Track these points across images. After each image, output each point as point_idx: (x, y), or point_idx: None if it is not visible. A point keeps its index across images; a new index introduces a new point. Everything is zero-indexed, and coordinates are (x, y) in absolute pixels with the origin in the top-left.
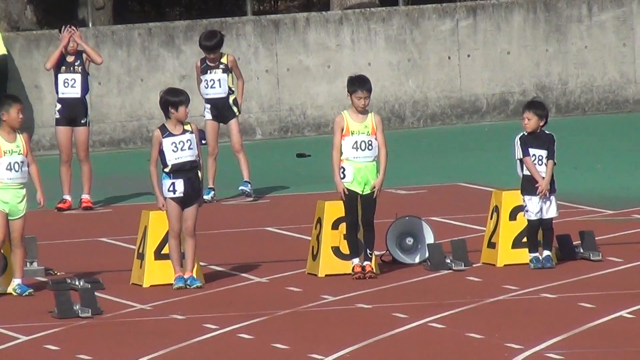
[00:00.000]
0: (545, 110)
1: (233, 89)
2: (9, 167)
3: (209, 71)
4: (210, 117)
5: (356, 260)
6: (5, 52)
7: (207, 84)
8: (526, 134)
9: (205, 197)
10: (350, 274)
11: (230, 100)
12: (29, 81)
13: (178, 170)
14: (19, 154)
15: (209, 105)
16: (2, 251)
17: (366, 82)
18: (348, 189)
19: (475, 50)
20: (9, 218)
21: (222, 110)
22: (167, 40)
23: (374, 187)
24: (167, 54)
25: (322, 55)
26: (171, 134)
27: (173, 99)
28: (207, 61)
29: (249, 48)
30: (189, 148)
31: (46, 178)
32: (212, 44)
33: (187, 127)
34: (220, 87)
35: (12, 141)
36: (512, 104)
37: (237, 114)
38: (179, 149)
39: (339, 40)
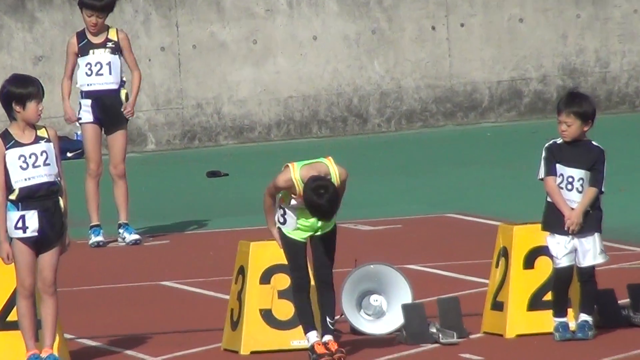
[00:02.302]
0: (591, 106)
1: (124, 79)
2: None
3: (91, 51)
4: (91, 119)
5: (313, 336)
6: None
7: (90, 69)
8: (558, 142)
9: (95, 238)
10: (297, 349)
11: (123, 97)
12: None
13: (29, 197)
14: None
15: (89, 101)
16: None
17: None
18: (291, 237)
19: (471, 17)
20: None
21: (110, 110)
22: (14, 5)
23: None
24: (14, 26)
25: (245, 25)
26: (18, 144)
27: (18, 91)
28: (88, 36)
29: (137, 16)
30: (45, 164)
31: None
32: (102, 3)
33: (42, 133)
34: (110, 73)
35: None
36: (526, 96)
37: (127, 119)
38: (29, 165)
39: (269, 3)
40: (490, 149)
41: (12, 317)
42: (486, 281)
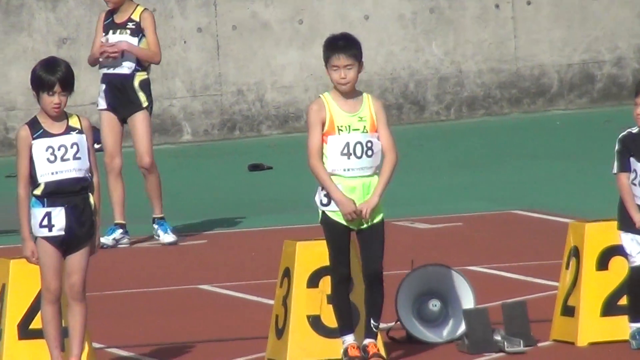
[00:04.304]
0: None
1: (145, 64)
2: None
3: (111, 31)
4: (105, 106)
5: (350, 339)
6: None
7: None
8: (634, 132)
9: (105, 238)
10: None
11: (136, 83)
12: None
13: (55, 193)
14: None
15: (103, 86)
16: None
17: (347, 43)
18: (335, 222)
19: None
20: None
21: (122, 95)
22: None
23: (368, 214)
24: (36, 5)
25: (289, 4)
26: (47, 134)
27: (35, 76)
28: (114, 15)
29: None
30: (75, 157)
31: None
32: None
33: (74, 123)
34: (122, 56)
35: None
36: (599, 81)
37: (144, 104)
38: (57, 157)
39: None
40: (560, 139)
41: (36, 324)
42: (556, 284)
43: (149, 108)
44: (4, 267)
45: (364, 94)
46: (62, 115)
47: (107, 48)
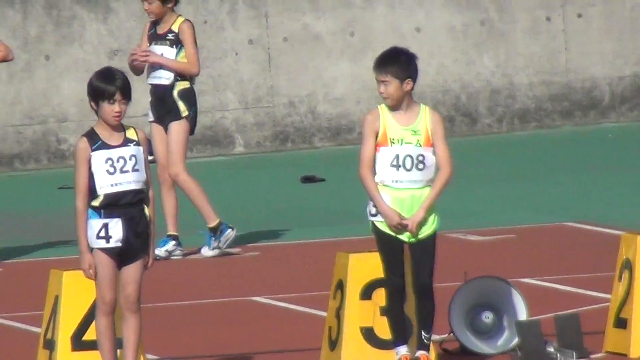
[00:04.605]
0: None
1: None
2: None
3: (153, 42)
4: (153, 118)
5: (403, 350)
6: None
7: None
8: None
9: (158, 250)
10: None
11: (175, 92)
12: None
13: (113, 205)
14: None
15: (150, 98)
16: None
17: (383, 59)
18: (385, 233)
19: (590, 7)
20: None
21: (164, 105)
22: None
23: (417, 227)
24: (87, 17)
25: (341, 16)
26: (105, 145)
27: (94, 86)
28: (156, 26)
29: (222, 5)
30: (134, 169)
31: None
32: None
33: (131, 135)
34: (162, 67)
35: None
36: None
37: (183, 114)
38: (117, 169)
39: None
40: (612, 152)
41: (90, 335)
42: (608, 296)
43: (190, 118)
44: (57, 278)
45: (422, 107)
46: (119, 127)
47: (138, 56)
